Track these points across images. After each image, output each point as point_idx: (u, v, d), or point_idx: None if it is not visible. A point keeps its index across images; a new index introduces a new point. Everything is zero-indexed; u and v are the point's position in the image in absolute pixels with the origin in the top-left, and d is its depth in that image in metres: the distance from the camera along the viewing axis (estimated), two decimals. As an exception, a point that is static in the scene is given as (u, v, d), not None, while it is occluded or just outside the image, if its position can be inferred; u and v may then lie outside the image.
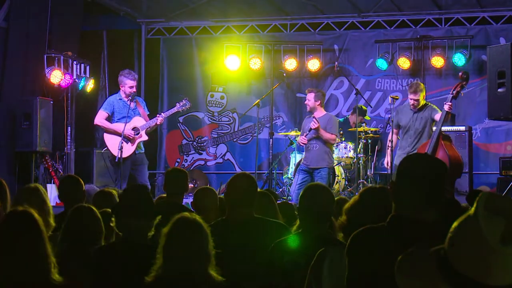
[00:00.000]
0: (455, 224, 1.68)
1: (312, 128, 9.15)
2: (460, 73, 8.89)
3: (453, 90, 8.57)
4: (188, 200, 9.96)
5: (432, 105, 9.09)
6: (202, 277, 3.18)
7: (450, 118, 8.73)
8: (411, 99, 8.91)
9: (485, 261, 1.60)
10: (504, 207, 1.62)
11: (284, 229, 4.13)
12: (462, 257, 1.64)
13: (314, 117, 9.26)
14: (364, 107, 11.44)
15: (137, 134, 9.11)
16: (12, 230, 2.85)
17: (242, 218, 4.16)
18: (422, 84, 9.13)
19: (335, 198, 4.11)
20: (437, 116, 8.65)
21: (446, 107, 8.43)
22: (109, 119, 9.17)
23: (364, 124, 11.10)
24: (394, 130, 9.17)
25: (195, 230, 3.24)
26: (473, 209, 1.65)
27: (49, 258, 2.86)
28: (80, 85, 11.00)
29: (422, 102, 8.93)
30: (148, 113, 9.46)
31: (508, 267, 1.59)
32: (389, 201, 3.15)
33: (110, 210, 4.07)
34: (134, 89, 9.19)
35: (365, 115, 11.50)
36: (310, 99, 9.40)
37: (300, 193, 3.86)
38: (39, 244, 2.84)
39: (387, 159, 9.22)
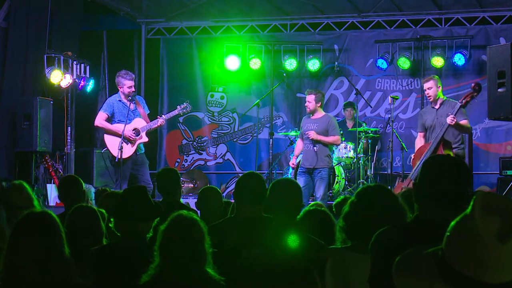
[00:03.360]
0: (452, 224, 1.69)
1: (312, 138, 9.14)
2: (472, 84, 8.50)
3: (463, 99, 8.26)
4: (188, 200, 10.00)
5: (452, 100, 8.77)
6: (199, 276, 3.17)
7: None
8: (425, 89, 8.69)
9: (482, 259, 1.61)
10: (500, 206, 1.63)
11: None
12: (460, 256, 1.65)
13: (307, 133, 9.20)
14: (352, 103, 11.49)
15: (138, 135, 9.11)
16: (30, 232, 2.86)
17: (249, 216, 4.18)
18: (436, 75, 8.86)
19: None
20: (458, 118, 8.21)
21: (448, 120, 8.09)
22: (109, 120, 9.16)
23: (354, 112, 11.13)
24: (420, 133, 8.75)
25: (192, 228, 3.23)
26: (469, 209, 1.66)
27: (68, 259, 2.90)
28: (79, 85, 11.00)
29: (441, 95, 8.61)
30: (148, 112, 9.45)
31: (505, 264, 1.60)
32: (387, 199, 3.14)
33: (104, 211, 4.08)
34: (133, 89, 9.19)
35: (354, 107, 11.44)
36: (311, 101, 9.33)
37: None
38: (58, 245, 2.87)
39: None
